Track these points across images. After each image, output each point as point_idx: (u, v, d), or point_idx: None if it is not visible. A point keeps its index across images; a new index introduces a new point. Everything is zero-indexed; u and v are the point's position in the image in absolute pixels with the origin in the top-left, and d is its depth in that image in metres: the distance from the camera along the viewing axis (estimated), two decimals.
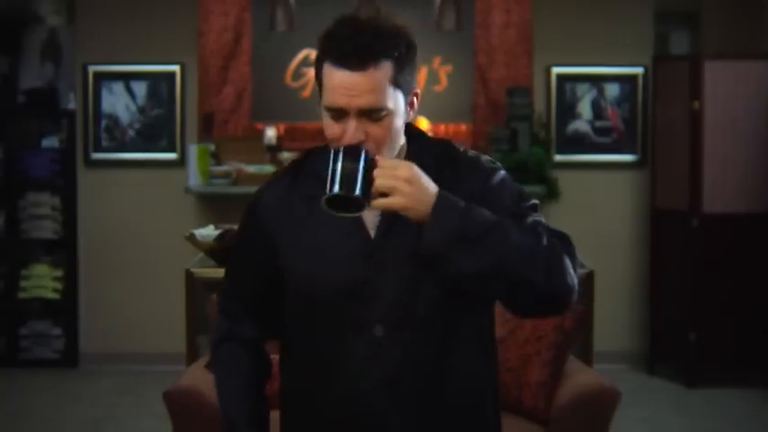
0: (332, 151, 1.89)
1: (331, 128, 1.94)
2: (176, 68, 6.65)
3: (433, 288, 1.97)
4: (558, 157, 6.79)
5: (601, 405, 3.70)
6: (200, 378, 3.72)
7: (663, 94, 6.61)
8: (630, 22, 6.81)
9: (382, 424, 1.99)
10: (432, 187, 1.88)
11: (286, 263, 2.05)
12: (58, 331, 6.83)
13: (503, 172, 2.08)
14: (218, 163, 6.63)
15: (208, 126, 6.75)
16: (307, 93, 7.11)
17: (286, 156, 6.70)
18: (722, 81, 6.24)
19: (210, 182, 6.46)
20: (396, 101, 1.95)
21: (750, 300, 6.29)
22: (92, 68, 6.68)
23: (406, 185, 1.84)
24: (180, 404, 3.65)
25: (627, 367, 6.62)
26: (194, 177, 6.45)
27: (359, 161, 1.87)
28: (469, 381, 2.05)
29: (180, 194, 6.60)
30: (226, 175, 6.45)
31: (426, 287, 1.97)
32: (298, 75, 7.14)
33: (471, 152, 2.12)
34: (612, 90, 6.84)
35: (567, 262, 1.93)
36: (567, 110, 6.86)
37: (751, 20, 7.02)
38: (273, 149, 6.84)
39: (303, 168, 2.10)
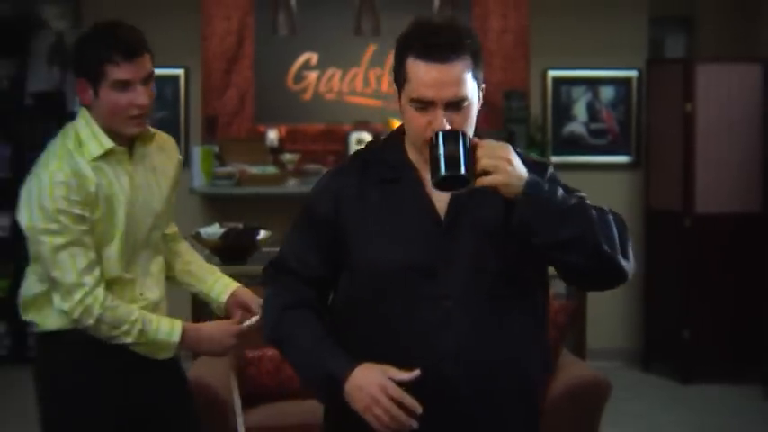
0: (433, 136, 2.03)
1: (416, 119, 2.10)
2: (180, 72, 6.67)
3: (498, 264, 2.14)
4: (555, 159, 6.83)
5: (593, 396, 3.77)
6: (206, 371, 3.78)
7: (657, 97, 6.66)
8: (624, 27, 6.86)
9: (452, 390, 2.14)
10: (523, 167, 2.05)
11: (359, 243, 2.18)
12: None
13: (552, 167, 2.27)
14: (222, 164, 6.66)
15: (211, 128, 6.79)
16: (308, 96, 7.17)
17: (288, 157, 6.75)
18: (715, 84, 6.30)
19: (214, 182, 6.49)
20: (473, 92, 2.14)
21: (742, 297, 6.33)
22: None
23: (507, 164, 2.01)
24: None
25: (622, 364, 6.66)
26: (198, 178, 6.48)
27: (460, 143, 2.01)
28: (525, 352, 2.21)
29: (184, 195, 6.63)
30: (229, 176, 6.49)
31: (492, 264, 2.14)
32: (299, 78, 7.19)
33: (527, 152, 2.28)
34: (607, 93, 6.89)
35: (630, 240, 2.14)
36: (563, 112, 6.90)
37: (746, 24, 7.06)
38: (275, 151, 6.89)
39: (372, 157, 2.24)
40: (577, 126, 6.91)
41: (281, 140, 7.07)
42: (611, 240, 2.08)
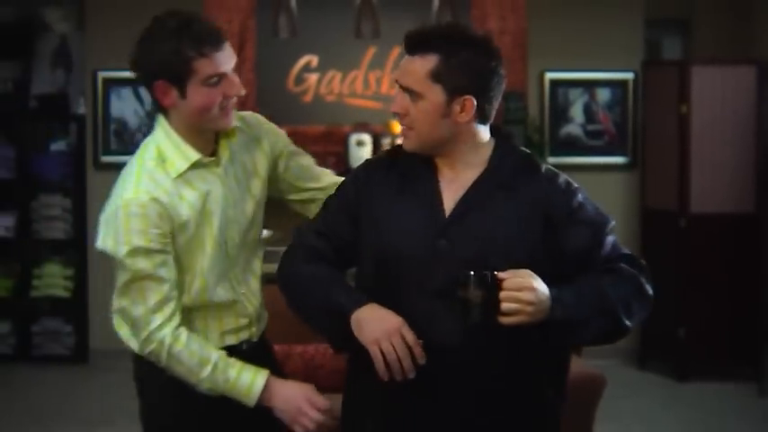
0: (462, 276, 2.10)
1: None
2: None
3: (498, 268, 2.15)
4: (552, 160, 6.86)
5: (588, 391, 3.81)
6: None
7: (652, 99, 6.68)
8: (621, 29, 6.88)
9: (439, 381, 2.21)
10: (545, 294, 2.11)
11: (372, 225, 2.31)
12: (68, 328, 6.88)
13: (581, 195, 2.32)
14: None
15: None
16: (308, 97, 7.18)
17: None
18: (709, 85, 6.32)
19: None
20: (430, 92, 2.23)
21: (736, 296, 6.36)
22: (101, 74, 6.75)
23: (530, 307, 2.09)
24: None
25: (619, 362, 6.67)
26: None
27: (486, 289, 2.08)
28: (526, 350, 2.25)
29: None
30: None
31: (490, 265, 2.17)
32: (299, 80, 7.21)
33: (551, 169, 2.33)
34: (604, 94, 6.92)
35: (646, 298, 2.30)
36: (561, 114, 6.93)
37: (742, 25, 7.08)
38: None
39: (402, 152, 2.34)
40: (574, 127, 6.94)
41: None
42: (630, 314, 2.23)
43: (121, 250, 2.39)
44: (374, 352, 2.12)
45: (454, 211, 2.25)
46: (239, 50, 6.91)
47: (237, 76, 2.49)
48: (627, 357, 6.78)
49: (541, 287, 2.11)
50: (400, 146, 2.36)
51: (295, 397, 2.43)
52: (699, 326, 6.33)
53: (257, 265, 2.66)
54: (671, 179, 6.42)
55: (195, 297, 2.50)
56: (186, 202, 2.44)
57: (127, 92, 6.77)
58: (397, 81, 2.28)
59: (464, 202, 2.25)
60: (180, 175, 2.45)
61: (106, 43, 6.77)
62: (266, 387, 2.43)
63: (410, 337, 2.13)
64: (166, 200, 2.41)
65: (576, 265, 2.24)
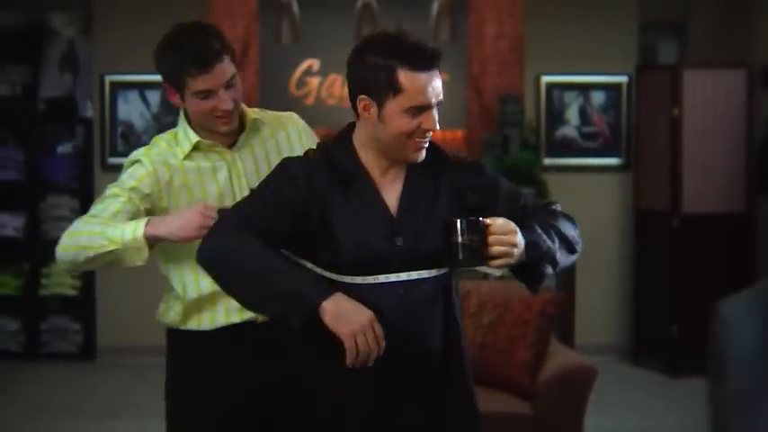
0: (451, 224, 2.22)
1: (408, 124, 2.28)
2: None
3: (441, 259, 2.31)
4: (548, 161, 6.90)
5: (580, 381, 3.88)
6: None
7: (646, 102, 6.72)
8: (615, 34, 6.92)
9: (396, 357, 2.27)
10: (522, 242, 2.26)
11: (326, 229, 2.30)
12: (76, 326, 6.91)
13: (488, 168, 2.51)
14: None
15: None
16: (310, 101, 7.23)
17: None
18: (701, 89, 6.36)
19: None
20: None
21: (727, 294, 6.39)
22: (108, 78, 6.80)
23: (515, 249, 2.24)
24: None
25: (613, 359, 6.71)
26: None
27: (478, 233, 2.21)
28: (457, 329, 2.43)
29: None
30: None
31: (436, 259, 2.32)
32: (301, 84, 7.26)
33: (455, 153, 2.50)
34: (599, 97, 6.95)
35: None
36: (556, 116, 6.97)
37: (736, 29, 7.11)
38: None
39: (332, 155, 2.36)
40: (570, 129, 6.97)
41: None
42: (576, 241, 2.46)
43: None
44: (350, 344, 2.17)
45: (399, 209, 2.34)
46: (243, 55, 6.94)
47: (233, 91, 2.69)
48: (621, 354, 6.81)
49: (520, 235, 2.26)
50: (327, 146, 2.39)
51: (181, 220, 2.61)
52: (691, 324, 6.36)
53: None
54: (664, 180, 6.45)
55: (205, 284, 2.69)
56: (189, 181, 2.72)
57: (133, 95, 6.81)
58: (436, 100, 2.30)
59: (405, 199, 2.35)
60: (186, 157, 2.73)
61: (113, 47, 6.81)
62: (147, 222, 2.61)
63: (379, 331, 2.20)
64: (165, 177, 2.70)
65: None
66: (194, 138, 2.73)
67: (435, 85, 2.29)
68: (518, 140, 6.75)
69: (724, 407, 1.82)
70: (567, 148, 6.94)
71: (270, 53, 7.03)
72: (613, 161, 6.95)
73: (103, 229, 2.61)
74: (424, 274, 2.33)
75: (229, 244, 2.28)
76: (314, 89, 7.25)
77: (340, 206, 2.31)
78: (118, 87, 6.80)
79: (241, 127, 2.79)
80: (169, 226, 2.60)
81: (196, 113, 2.69)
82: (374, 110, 2.30)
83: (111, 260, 2.64)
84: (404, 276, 2.31)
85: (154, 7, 6.81)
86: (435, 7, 6.79)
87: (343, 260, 2.29)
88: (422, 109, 2.28)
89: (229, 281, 2.31)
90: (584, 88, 6.92)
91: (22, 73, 7.13)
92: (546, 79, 6.92)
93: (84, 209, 6.87)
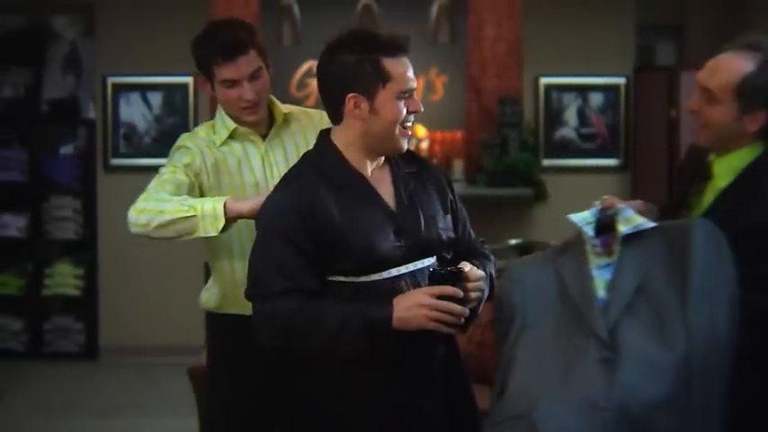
0: (441, 275, 2.32)
1: (401, 110, 2.37)
2: (189, 80, 6.70)
3: (441, 241, 2.46)
4: (546, 162, 6.91)
5: None
6: None
7: (643, 103, 6.73)
8: (613, 35, 6.92)
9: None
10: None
11: (339, 241, 2.35)
12: (79, 326, 6.91)
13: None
14: None
15: None
16: (310, 102, 7.23)
17: None
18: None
19: None
20: None
21: None
22: (111, 80, 6.79)
23: (482, 292, 2.41)
24: (203, 379, 3.77)
25: None
26: None
27: (461, 283, 2.33)
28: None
29: None
30: None
31: (435, 242, 2.44)
32: (302, 85, 7.26)
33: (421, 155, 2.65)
34: (597, 99, 6.96)
35: None
36: (555, 117, 6.97)
37: (734, 31, 7.10)
38: None
39: (322, 164, 2.43)
40: (568, 130, 6.98)
41: None
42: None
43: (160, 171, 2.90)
44: (433, 327, 2.29)
45: (397, 204, 2.43)
46: None
47: (258, 84, 2.87)
48: None
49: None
50: (312, 159, 2.46)
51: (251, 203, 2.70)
52: None
53: None
54: (661, 180, 6.46)
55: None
56: (229, 166, 2.89)
57: (135, 96, 6.81)
58: (415, 84, 2.42)
59: (400, 195, 2.44)
60: (223, 143, 2.91)
61: (115, 49, 6.81)
62: (225, 202, 2.71)
63: (435, 291, 2.29)
64: (209, 158, 2.88)
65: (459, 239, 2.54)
66: (231, 125, 2.91)
67: (412, 69, 2.40)
68: (517, 141, 6.76)
69: (503, 339, 2.39)
70: (566, 148, 6.95)
71: (271, 55, 7.01)
72: (611, 162, 6.95)
73: (182, 198, 2.76)
74: (427, 261, 2.42)
75: (288, 324, 2.34)
76: (314, 90, 7.24)
77: (344, 211, 2.36)
78: (120, 89, 6.80)
79: (272, 119, 2.98)
80: (245, 202, 2.72)
81: (223, 102, 2.88)
82: (365, 105, 2.36)
83: (186, 227, 2.72)
84: (411, 267, 2.40)
85: (155, 10, 6.82)
86: (435, 9, 6.80)
87: (356, 260, 2.35)
88: (409, 93, 2.38)
89: (305, 350, 2.40)
90: (583, 90, 6.93)
91: (25, 75, 7.14)
92: (544, 81, 6.93)
93: (86, 209, 6.89)
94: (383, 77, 2.34)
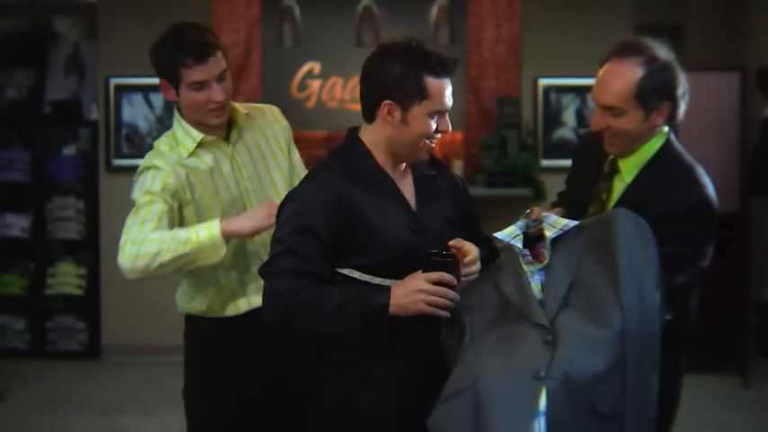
0: (429, 260, 2.37)
1: (430, 127, 2.46)
2: None
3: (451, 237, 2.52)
4: (545, 162, 6.92)
5: None
6: None
7: None
8: (612, 37, 6.86)
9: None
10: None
11: (366, 234, 2.43)
12: (81, 325, 6.93)
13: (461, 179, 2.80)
14: None
15: None
16: (311, 103, 7.25)
17: None
18: (695, 91, 6.33)
19: None
20: None
21: (722, 293, 6.41)
22: (113, 81, 6.82)
23: (477, 273, 2.49)
24: None
25: None
26: None
27: (455, 269, 2.39)
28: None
29: None
30: None
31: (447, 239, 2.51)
32: (303, 86, 7.27)
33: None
34: None
35: None
36: (553, 118, 6.99)
37: (732, 33, 7.14)
38: None
39: (350, 160, 2.50)
40: (567, 131, 6.99)
41: None
42: None
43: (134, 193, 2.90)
44: (429, 311, 2.36)
45: (418, 205, 2.53)
46: (245, 58, 6.97)
47: (225, 85, 2.84)
48: None
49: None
50: (341, 153, 2.52)
51: (250, 219, 2.79)
52: None
53: None
54: None
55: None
56: (201, 176, 2.87)
57: (138, 98, 6.84)
58: (450, 105, 2.50)
59: (420, 196, 2.54)
60: (191, 154, 2.88)
61: (117, 51, 6.83)
62: (220, 225, 2.76)
63: (432, 277, 2.36)
64: (182, 174, 2.84)
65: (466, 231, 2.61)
66: (198, 135, 2.89)
67: (450, 91, 2.47)
68: (516, 142, 6.78)
69: (453, 358, 2.50)
70: (564, 149, 6.95)
71: (272, 56, 7.06)
72: None
73: (173, 233, 2.75)
74: None
75: (291, 302, 2.38)
76: (315, 92, 7.27)
77: (369, 207, 2.45)
78: (122, 90, 6.83)
79: (230, 122, 2.96)
80: (241, 222, 2.76)
81: (190, 106, 2.83)
82: (398, 113, 2.44)
83: (187, 262, 2.77)
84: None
85: (157, 11, 6.83)
86: (435, 11, 6.83)
87: (375, 256, 2.42)
88: (441, 113, 2.46)
89: (305, 330, 2.46)
90: (581, 91, 6.93)
91: (28, 76, 7.16)
92: (543, 82, 6.94)
93: (88, 209, 6.91)
94: (421, 94, 2.42)
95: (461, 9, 6.95)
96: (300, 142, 7.38)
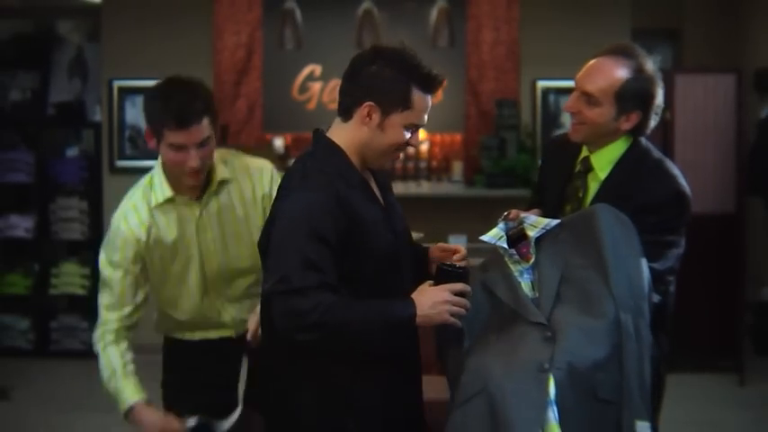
0: (444, 271, 2.41)
1: (403, 137, 2.45)
2: None
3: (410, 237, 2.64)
4: None
5: None
6: None
7: None
8: (610, 39, 6.87)
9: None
10: None
11: (363, 235, 2.42)
12: (85, 324, 6.91)
13: None
14: None
15: (223, 136, 6.88)
16: (312, 105, 7.27)
17: None
18: (692, 93, 6.40)
19: None
20: None
21: (718, 292, 6.43)
22: (116, 83, 6.84)
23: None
24: None
25: None
26: None
27: (468, 279, 2.42)
28: None
29: None
30: None
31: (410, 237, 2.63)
32: (304, 89, 7.30)
33: None
34: None
35: None
36: (552, 120, 7.00)
37: (729, 35, 7.15)
38: (282, 157, 6.99)
39: (335, 169, 2.44)
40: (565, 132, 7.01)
41: (287, 147, 7.17)
42: None
43: (99, 259, 2.99)
44: (453, 321, 2.38)
45: (385, 203, 2.55)
46: (247, 60, 6.99)
47: (205, 151, 2.78)
48: None
49: None
50: (328, 159, 2.46)
51: (152, 422, 2.91)
52: (683, 321, 6.38)
53: (242, 284, 3.05)
54: None
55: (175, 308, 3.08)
56: (161, 233, 2.91)
57: (140, 100, 6.78)
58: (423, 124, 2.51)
59: (386, 200, 2.56)
60: (158, 206, 2.90)
61: (121, 53, 6.86)
62: (133, 407, 2.93)
63: (455, 288, 2.38)
64: (143, 236, 2.89)
65: None
66: (169, 193, 2.89)
67: (429, 108, 2.46)
68: (515, 143, 6.80)
69: (453, 363, 2.59)
70: None
71: (273, 59, 7.08)
72: None
73: (116, 377, 3.00)
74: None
75: (323, 318, 2.32)
76: (315, 94, 7.30)
77: (360, 208, 2.43)
78: (125, 92, 6.85)
79: (208, 180, 2.91)
80: (150, 419, 2.91)
81: (167, 163, 2.82)
82: (377, 117, 2.41)
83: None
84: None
85: (160, 14, 6.87)
86: (434, 14, 6.84)
87: (371, 257, 2.42)
88: (417, 127, 2.45)
89: (334, 345, 2.39)
90: None
91: (32, 78, 7.18)
92: (541, 84, 6.96)
93: (92, 210, 6.93)
94: (405, 104, 2.40)
95: (461, 12, 6.97)
96: (302, 144, 7.45)
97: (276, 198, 2.50)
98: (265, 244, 2.44)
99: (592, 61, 2.83)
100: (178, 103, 2.72)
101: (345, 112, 2.46)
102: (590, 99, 2.73)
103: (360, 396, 2.44)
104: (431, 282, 2.40)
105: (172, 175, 2.86)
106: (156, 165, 2.94)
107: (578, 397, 2.34)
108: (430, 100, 2.45)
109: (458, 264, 2.44)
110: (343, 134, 2.47)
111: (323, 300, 2.30)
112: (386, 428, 2.48)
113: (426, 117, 2.46)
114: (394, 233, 2.50)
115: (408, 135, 2.44)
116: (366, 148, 2.45)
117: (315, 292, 2.30)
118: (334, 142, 2.47)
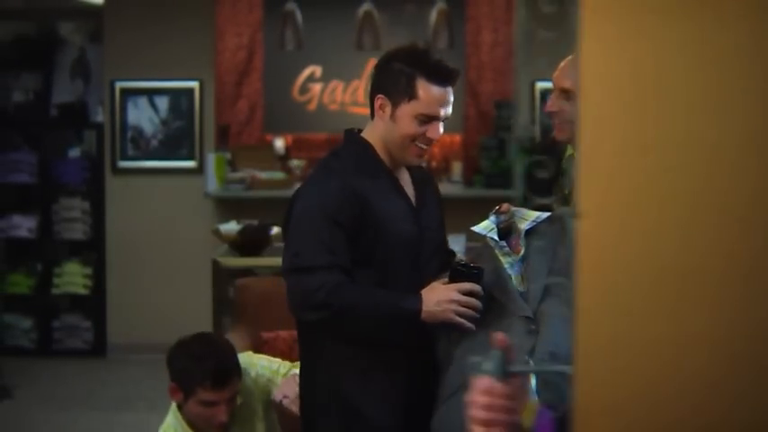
0: (457, 270, 2.43)
1: (415, 129, 2.47)
2: (195, 84, 6.75)
3: (441, 234, 2.68)
4: None
5: None
6: None
7: None
8: None
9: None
10: None
11: (377, 226, 2.47)
12: (87, 324, 6.94)
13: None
14: (234, 170, 6.75)
15: (224, 137, 6.89)
16: (312, 106, 7.28)
17: (295, 163, 6.86)
18: None
19: (227, 187, 6.59)
20: None
21: None
22: (119, 84, 6.83)
23: None
24: None
25: None
26: (212, 183, 6.57)
27: (481, 280, 2.43)
28: None
29: (199, 199, 6.75)
30: (241, 180, 6.59)
31: (439, 234, 2.67)
32: (304, 90, 7.31)
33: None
34: None
35: None
36: (550, 120, 7.01)
37: None
38: (283, 158, 7.00)
39: (356, 156, 2.54)
40: None
41: (287, 148, 7.18)
42: None
43: None
44: (457, 322, 2.39)
45: (417, 202, 2.59)
46: (248, 61, 7.01)
47: (232, 404, 2.79)
48: None
49: None
50: (348, 149, 2.57)
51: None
52: None
53: None
54: None
55: None
56: None
57: (143, 101, 6.86)
58: (444, 114, 2.50)
59: (418, 196, 2.60)
60: None
61: (123, 54, 6.85)
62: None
63: (461, 297, 2.39)
64: None
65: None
66: None
67: (446, 100, 2.48)
68: (514, 145, 6.81)
69: (445, 355, 2.55)
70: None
71: (274, 60, 7.09)
72: None
73: None
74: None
75: (330, 298, 2.39)
76: (316, 95, 7.30)
77: (378, 197, 2.49)
78: (128, 93, 6.84)
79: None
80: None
81: (193, 416, 2.80)
82: (388, 109, 2.49)
83: None
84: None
85: (162, 16, 6.87)
86: (434, 16, 6.85)
87: (384, 245, 2.46)
88: (430, 118, 2.46)
89: (338, 327, 2.46)
90: None
91: (35, 80, 7.18)
92: (540, 85, 6.97)
93: (94, 210, 6.93)
94: (410, 94, 2.45)
95: (460, 13, 6.98)
96: (302, 144, 7.46)
97: (299, 187, 2.63)
98: (287, 227, 2.55)
99: (564, 61, 2.84)
100: (215, 364, 2.75)
101: (371, 110, 2.57)
102: (569, 95, 2.73)
103: (378, 380, 2.50)
104: (445, 280, 2.43)
105: (196, 426, 2.85)
106: (170, 416, 2.90)
107: (560, 387, 2.35)
108: (444, 91, 2.48)
109: (472, 264, 2.45)
110: (370, 131, 2.57)
111: (330, 279, 2.38)
112: (401, 414, 2.52)
113: (442, 108, 2.48)
114: (419, 227, 2.54)
115: (420, 126, 2.47)
116: (387, 142, 2.54)
117: (323, 272, 2.39)
118: (363, 138, 2.58)
